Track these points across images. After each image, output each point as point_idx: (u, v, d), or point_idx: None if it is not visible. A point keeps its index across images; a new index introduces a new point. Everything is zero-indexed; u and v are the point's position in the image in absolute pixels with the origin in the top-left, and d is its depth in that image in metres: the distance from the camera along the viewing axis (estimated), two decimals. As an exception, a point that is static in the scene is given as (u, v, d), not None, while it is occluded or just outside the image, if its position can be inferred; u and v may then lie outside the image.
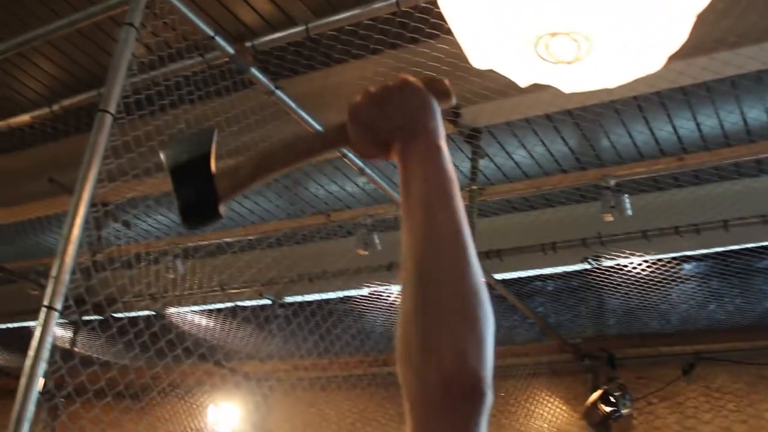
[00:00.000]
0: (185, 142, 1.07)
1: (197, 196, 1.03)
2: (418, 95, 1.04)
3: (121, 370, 4.97)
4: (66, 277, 2.45)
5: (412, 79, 1.07)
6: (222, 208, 1.04)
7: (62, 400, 4.71)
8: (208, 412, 6.66)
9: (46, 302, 2.39)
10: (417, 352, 0.83)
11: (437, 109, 1.05)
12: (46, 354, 2.40)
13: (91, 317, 5.56)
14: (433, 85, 1.08)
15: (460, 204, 0.92)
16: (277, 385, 5.37)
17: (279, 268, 4.65)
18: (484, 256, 4.24)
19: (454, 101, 1.10)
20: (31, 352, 2.40)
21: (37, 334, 2.39)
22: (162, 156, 1.07)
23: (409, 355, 0.84)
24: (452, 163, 0.96)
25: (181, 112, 3.43)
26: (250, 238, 5.08)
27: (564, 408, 5.93)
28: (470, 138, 4.32)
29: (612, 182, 4.19)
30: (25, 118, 3.94)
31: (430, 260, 0.86)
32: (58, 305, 2.37)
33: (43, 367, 2.40)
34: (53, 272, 2.43)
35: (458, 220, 0.89)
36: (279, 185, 4.92)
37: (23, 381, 2.36)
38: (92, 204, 2.61)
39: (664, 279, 5.23)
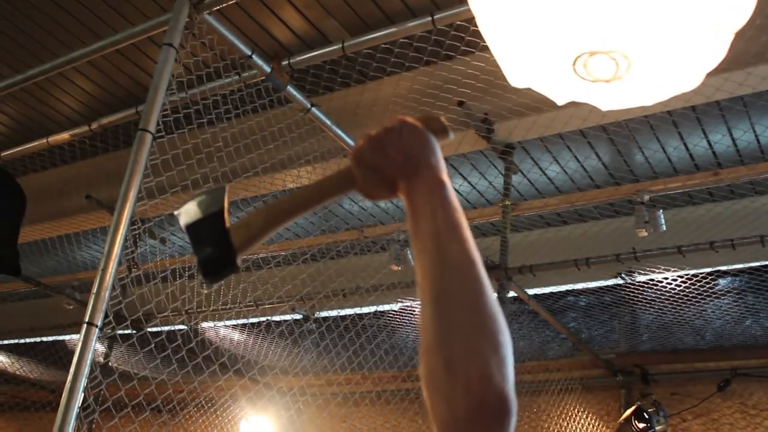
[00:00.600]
0: (199, 201, 1.11)
1: (215, 251, 1.08)
2: (416, 134, 1.07)
3: (159, 385, 5.02)
4: (106, 294, 2.49)
5: (409, 119, 1.10)
6: (239, 260, 1.07)
7: (99, 413, 4.78)
8: (240, 426, 6.69)
9: (87, 318, 2.43)
10: (443, 379, 0.85)
11: (436, 145, 1.08)
12: (86, 369, 2.43)
13: (129, 331, 5.63)
14: (430, 123, 1.12)
15: (468, 233, 0.94)
16: (311, 400, 5.39)
17: (313, 283, 4.68)
18: (516, 271, 4.23)
19: (452, 136, 1.13)
20: (72, 368, 2.44)
21: (77, 349, 2.43)
22: (177, 215, 1.12)
23: (435, 382, 0.87)
24: (455, 195, 0.98)
25: (218, 130, 3.48)
26: (284, 253, 5.12)
27: (597, 424, 5.88)
28: (504, 154, 4.33)
29: (646, 197, 4.18)
30: (64, 136, 4.02)
31: (448, 290, 0.89)
32: (99, 321, 2.41)
33: (83, 382, 2.43)
34: (94, 289, 2.47)
35: (468, 248, 0.92)
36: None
37: (64, 395, 2.39)
38: (131, 222, 2.66)
39: (698, 294, 5.18)
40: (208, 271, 1.10)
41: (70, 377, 2.42)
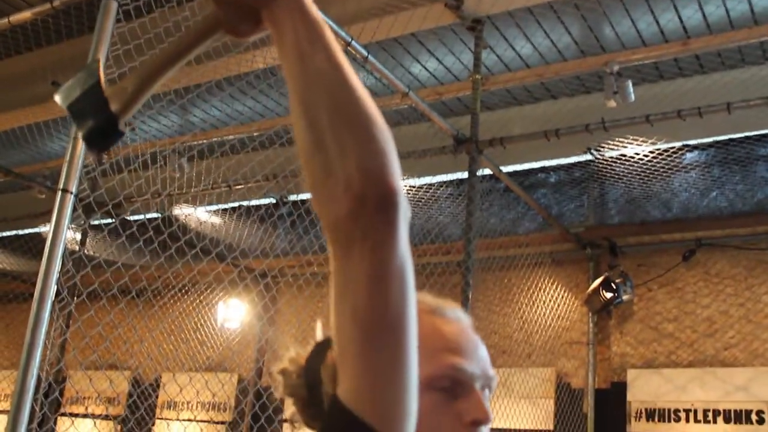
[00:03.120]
0: (76, 79, 1.13)
1: (97, 122, 1.09)
2: None
3: (138, 272, 5.09)
4: (79, 162, 2.48)
5: None
6: (121, 125, 1.09)
7: (75, 305, 4.86)
8: (218, 309, 6.84)
9: (61, 186, 2.42)
10: (324, 184, 0.86)
11: None
12: (62, 237, 2.43)
13: (104, 221, 5.67)
14: None
15: (332, 44, 0.92)
16: (291, 280, 5.49)
17: (291, 167, 4.71)
18: (487, 144, 4.27)
19: None
20: (48, 240, 2.44)
21: (53, 219, 2.43)
22: (57, 99, 1.13)
23: (318, 192, 0.87)
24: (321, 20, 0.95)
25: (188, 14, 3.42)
26: (258, 133, 5.12)
27: (566, 296, 6.07)
28: (472, 28, 4.31)
29: (615, 68, 4.19)
30: (26, 15, 3.92)
31: (315, 98, 0.89)
32: (73, 188, 2.41)
33: (58, 262, 2.43)
34: (66, 157, 2.46)
35: (332, 56, 0.90)
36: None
37: (40, 275, 2.39)
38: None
39: (666, 168, 5.28)
40: (94, 142, 1.12)
41: (46, 251, 2.42)
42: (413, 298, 0.87)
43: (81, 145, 2.45)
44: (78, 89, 1.10)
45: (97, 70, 1.11)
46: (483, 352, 1.13)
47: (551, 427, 5.81)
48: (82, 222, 5.59)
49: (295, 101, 0.91)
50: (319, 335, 1.15)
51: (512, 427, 5.83)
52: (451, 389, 1.06)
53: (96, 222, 5.79)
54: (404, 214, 0.86)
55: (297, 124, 0.91)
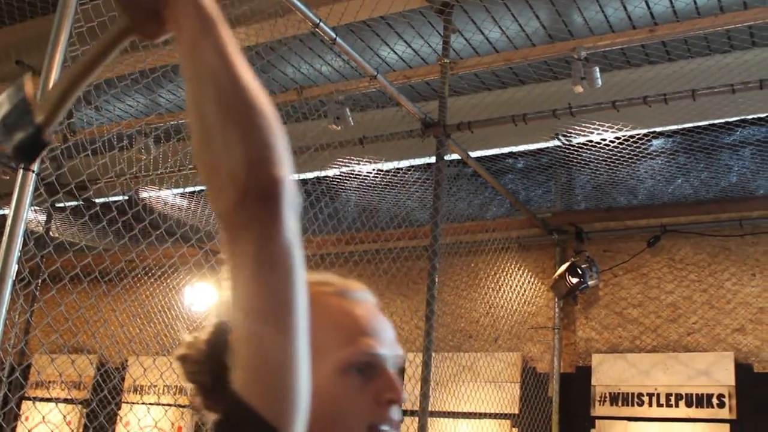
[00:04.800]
0: (5, 95, 1.16)
1: (25, 135, 1.11)
2: None
3: (101, 254, 5.04)
4: (41, 141, 2.44)
5: None
6: (47, 135, 1.11)
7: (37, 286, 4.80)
8: (184, 292, 6.79)
9: (22, 164, 2.38)
10: (213, 177, 0.87)
11: None
12: (24, 217, 2.39)
13: (68, 203, 5.60)
14: None
15: (225, 36, 0.93)
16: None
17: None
18: (455, 128, 4.27)
19: None
20: (9, 215, 2.39)
21: (14, 198, 2.39)
22: None
23: (208, 182, 0.89)
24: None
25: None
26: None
27: (532, 281, 6.11)
28: (441, 11, 4.29)
29: (583, 54, 4.21)
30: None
31: (205, 94, 0.89)
32: (35, 167, 2.37)
33: (21, 232, 2.40)
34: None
35: (223, 51, 0.91)
36: (254, 69, 4.89)
37: (3, 246, 2.36)
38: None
39: (632, 155, 5.32)
40: (23, 155, 1.15)
41: (7, 230, 2.39)
42: (302, 287, 0.88)
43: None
44: (7, 105, 1.14)
45: (23, 86, 1.14)
46: (390, 331, 1.15)
47: (516, 411, 5.86)
48: (45, 203, 5.52)
49: (188, 97, 0.92)
50: (214, 318, 1.15)
51: (478, 411, 5.88)
52: (366, 371, 1.08)
53: (60, 205, 5.72)
54: (289, 203, 0.88)
55: (190, 120, 0.91)
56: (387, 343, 1.11)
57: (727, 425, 5.27)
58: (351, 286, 1.17)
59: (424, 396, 4.13)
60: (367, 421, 1.06)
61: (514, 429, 5.83)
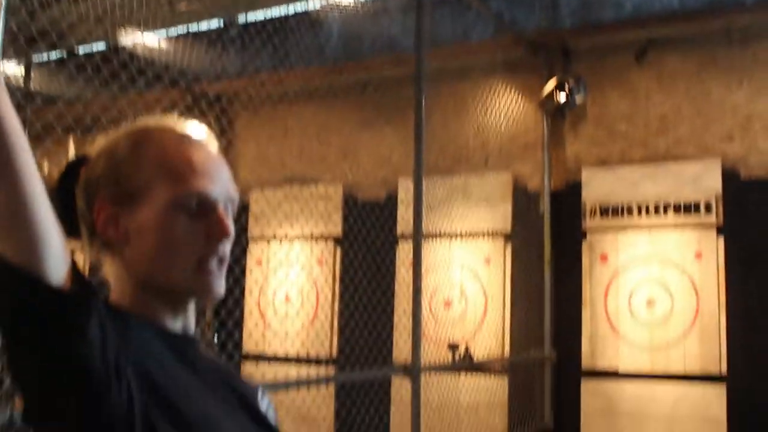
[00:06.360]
0: None
1: None
2: None
3: (89, 103, 5.05)
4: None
5: None
6: None
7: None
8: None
9: None
10: None
11: None
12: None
13: (50, 53, 5.54)
14: None
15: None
16: (243, 104, 5.48)
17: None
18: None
19: None
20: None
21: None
22: None
23: None
24: None
25: None
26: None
27: (520, 101, 6.10)
28: None
29: None
30: None
31: None
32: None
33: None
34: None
35: None
36: None
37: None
38: None
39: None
40: None
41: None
42: (12, 132, 0.92)
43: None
44: None
45: None
46: (226, 173, 1.23)
47: (509, 228, 6.02)
48: (24, 55, 5.45)
49: None
50: (72, 154, 1.23)
51: (472, 230, 6.04)
52: (198, 209, 1.17)
53: (41, 60, 5.65)
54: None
55: None
56: (220, 185, 1.20)
57: (713, 230, 5.43)
58: (192, 130, 1.25)
59: (417, 215, 4.26)
60: (197, 254, 1.17)
61: (508, 245, 6.02)
